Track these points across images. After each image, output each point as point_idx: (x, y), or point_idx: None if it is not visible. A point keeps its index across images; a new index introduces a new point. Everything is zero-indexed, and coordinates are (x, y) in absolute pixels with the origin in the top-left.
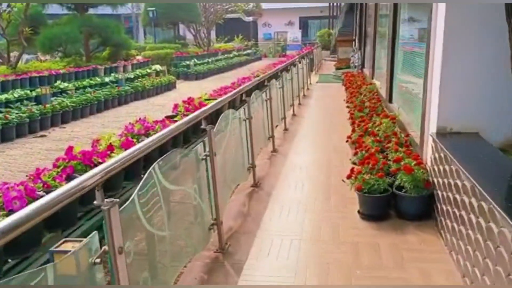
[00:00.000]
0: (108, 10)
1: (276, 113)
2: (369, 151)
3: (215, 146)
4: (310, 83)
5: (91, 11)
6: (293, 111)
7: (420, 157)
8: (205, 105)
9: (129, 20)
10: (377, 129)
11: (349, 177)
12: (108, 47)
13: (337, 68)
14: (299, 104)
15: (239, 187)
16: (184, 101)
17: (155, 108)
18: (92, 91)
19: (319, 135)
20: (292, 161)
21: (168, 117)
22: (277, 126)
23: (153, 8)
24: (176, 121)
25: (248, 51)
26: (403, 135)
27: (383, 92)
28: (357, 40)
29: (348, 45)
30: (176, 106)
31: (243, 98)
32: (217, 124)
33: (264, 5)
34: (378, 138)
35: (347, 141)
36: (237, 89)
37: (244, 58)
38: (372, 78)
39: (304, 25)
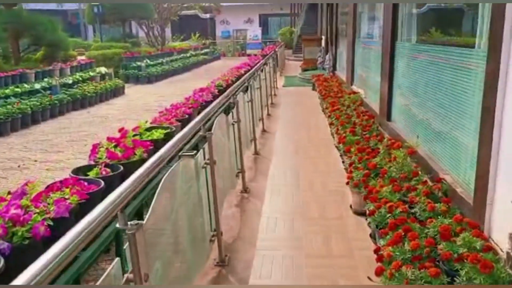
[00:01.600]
0: (52, 6)
1: (244, 136)
2: (392, 210)
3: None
4: (277, 87)
5: (25, 6)
6: (263, 125)
7: (480, 227)
8: (145, 143)
9: (77, 16)
10: (388, 166)
11: (379, 272)
12: (43, 48)
13: (304, 70)
14: (268, 115)
15: None
16: (110, 139)
17: (96, 120)
18: (16, 102)
19: (301, 166)
20: (269, 220)
21: (81, 169)
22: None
23: (98, 3)
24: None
25: (206, 50)
26: (424, 178)
27: (374, 105)
28: (325, 40)
29: (315, 45)
30: (95, 149)
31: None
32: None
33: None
34: (396, 184)
35: (347, 183)
36: (196, 120)
37: (202, 57)
38: (352, 84)
39: (264, 22)
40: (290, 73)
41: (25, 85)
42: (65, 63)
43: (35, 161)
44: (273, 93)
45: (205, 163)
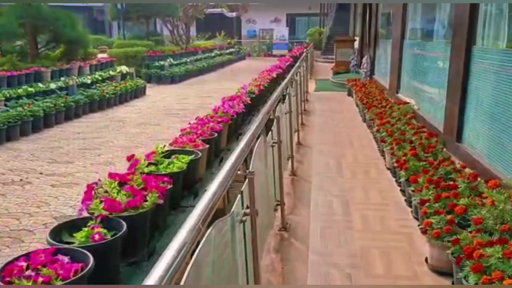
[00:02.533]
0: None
1: (284, 154)
2: None
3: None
4: (308, 92)
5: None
6: (298, 137)
7: None
8: (160, 182)
9: (102, 13)
10: (478, 210)
11: None
12: (61, 45)
13: (335, 73)
14: (302, 124)
15: None
16: (112, 176)
17: (113, 125)
18: (27, 103)
19: (349, 193)
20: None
21: (65, 227)
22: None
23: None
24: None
25: (231, 49)
26: None
27: (433, 120)
28: (359, 41)
29: (348, 46)
30: (89, 192)
31: None
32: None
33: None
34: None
35: (424, 232)
36: (235, 157)
37: (227, 57)
38: (397, 92)
39: (291, 22)
40: (321, 76)
41: (40, 85)
42: (84, 61)
43: (41, 173)
44: (305, 98)
45: (244, 215)
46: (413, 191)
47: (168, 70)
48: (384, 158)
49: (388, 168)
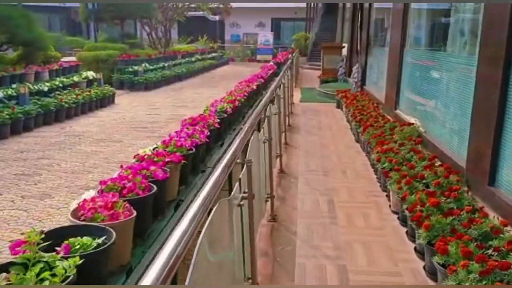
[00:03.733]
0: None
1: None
2: None
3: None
4: (293, 103)
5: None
6: (280, 163)
7: None
8: None
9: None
10: None
11: None
12: (20, 47)
13: (323, 81)
14: (286, 144)
15: None
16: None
17: (68, 140)
18: None
19: (348, 253)
20: None
21: None
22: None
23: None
24: None
25: (214, 54)
26: None
27: (449, 151)
28: (348, 48)
29: (336, 53)
30: None
31: None
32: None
33: (233, 3)
34: None
35: None
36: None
37: (208, 62)
38: (395, 108)
39: (276, 27)
40: (307, 85)
41: None
42: (44, 65)
43: None
44: (290, 111)
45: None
46: (443, 266)
47: (142, 75)
48: (387, 196)
49: (394, 212)
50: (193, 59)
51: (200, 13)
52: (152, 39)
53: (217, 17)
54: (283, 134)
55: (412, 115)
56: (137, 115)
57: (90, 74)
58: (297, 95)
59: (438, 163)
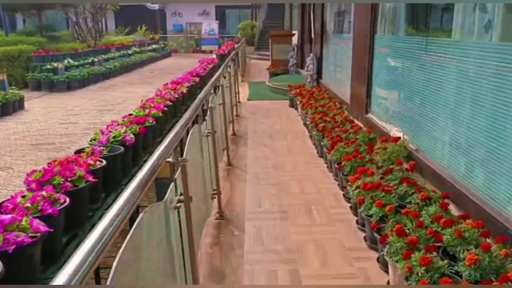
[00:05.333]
0: None
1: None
2: None
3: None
4: (239, 102)
5: None
6: (218, 203)
7: None
8: None
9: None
10: None
11: None
12: None
13: (272, 74)
14: (229, 165)
15: None
16: None
17: None
18: None
19: None
20: None
21: None
22: None
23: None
24: None
25: (154, 46)
26: None
27: (459, 182)
28: (299, 36)
29: (286, 42)
30: None
31: None
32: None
33: None
34: None
35: None
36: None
37: (148, 55)
38: (367, 112)
39: (221, 15)
40: (256, 78)
41: None
42: None
43: None
44: (234, 113)
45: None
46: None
47: (63, 73)
48: (378, 260)
49: None
50: (129, 52)
51: (137, 1)
52: (80, 30)
53: (156, 6)
54: (224, 152)
55: (392, 122)
56: (48, 125)
57: None
58: (244, 92)
59: (466, 219)
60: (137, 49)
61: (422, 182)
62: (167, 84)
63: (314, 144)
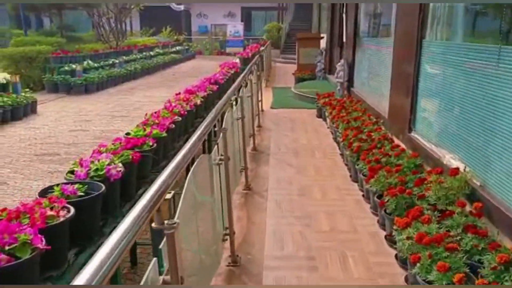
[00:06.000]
0: None
1: None
2: None
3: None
4: (262, 110)
5: None
6: (231, 246)
7: None
8: None
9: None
10: None
11: None
12: None
13: (298, 79)
14: (247, 187)
15: None
16: None
17: None
18: None
19: None
20: None
21: None
22: None
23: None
24: None
25: (178, 47)
26: None
27: None
28: (328, 40)
29: (314, 46)
30: None
31: None
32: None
33: None
34: None
35: None
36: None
37: (171, 57)
38: (410, 131)
39: (247, 17)
40: (280, 83)
41: None
42: None
43: None
44: (256, 123)
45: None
46: None
47: (81, 75)
48: None
49: None
50: (152, 53)
51: (162, 2)
52: (102, 31)
53: (181, 7)
54: (242, 173)
55: (445, 147)
56: (57, 132)
57: (3, 76)
58: (267, 99)
59: None
60: (160, 51)
61: (494, 233)
62: (179, 93)
63: (346, 164)
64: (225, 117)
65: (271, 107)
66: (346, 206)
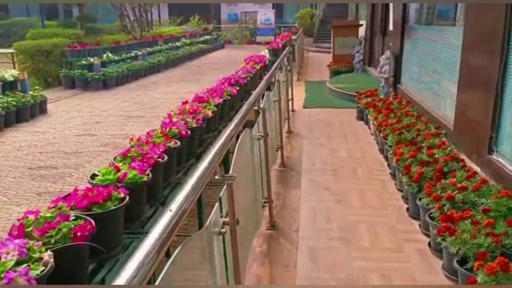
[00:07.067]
0: None
1: None
2: None
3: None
4: (293, 111)
5: None
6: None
7: None
8: None
9: None
10: None
11: None
12: None
13: (334, 72)
14: (271, 227)
15: None
16: None
17: None
18: None
19: None
20: None
21: None
22: None
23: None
24: None
25: (207, 37)
26: None
27: None
28: (368, 28)
29: (351, 35)
30: None
31: None
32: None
33: None
34: None
35: None
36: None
37: (199, 47)
38: (491, 151)
39: (278, 4)
40: (314, 76)
41: None
42: None
43: None
44: (285, 129)
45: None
46: None
47: (99, 70)
48: None
49: None
50: (178, 44)
51: None
52: (127, 21)
53: None
54: (266, 207)
55: None
56: (62, 137)
57: (10, 73)
58: (299, 95)
59: None
60: (187, 41)
61: None
62: (185, 102)
63: (399, 189)
64: (232, 159)
65: (304, 107)
66: (406, 261)
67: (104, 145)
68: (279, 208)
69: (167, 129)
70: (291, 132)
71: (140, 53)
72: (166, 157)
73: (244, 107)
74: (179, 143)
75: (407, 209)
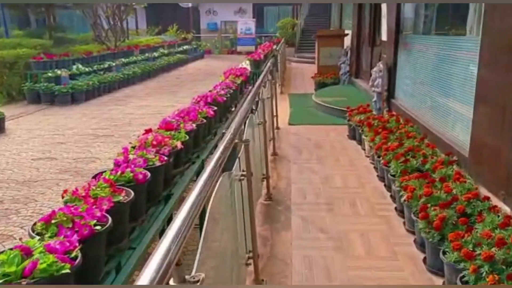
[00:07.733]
0: None
1: None
2: None
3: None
4: (278, 128)
5: None
6: None
7: None
8: None
9: None
10: None
11: None
12: None
13: (319, 84)
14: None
15: None
16: None
17: None
18: None
19: None
20: None
21: None
22: None
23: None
24: None
25: (186, 46)
26: None
27: None
28: (354, 37)
29: (336, 44)
30: None
31: None
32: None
33: None
34: None
35: None
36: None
37: (177, 57)
38: (508, 197)
39: (259, 13)
40: (298, 88)
41: None
42: None
43: None
44: (271, 147)
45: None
46: None
47: (66, 83)
48: None
49: None
50: (155, 54)
51: None
52: (99, 31)
53: (189, 4)
54: (249, 264)
55: None
56: (16, 162)
57: None
58: (284, 109)
59: None
60: (165, 51)
61: None
62: (149, 131)
63: (408, 230)
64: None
65: (289, 123)
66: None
67: (63, 172)
68: (266, 259)
69: (118, 173)
70: (276, 155)
71: (114, 64)
72: (110, 221)
73: (221, 148)
74: (132, 194)
75: (424, 260)
